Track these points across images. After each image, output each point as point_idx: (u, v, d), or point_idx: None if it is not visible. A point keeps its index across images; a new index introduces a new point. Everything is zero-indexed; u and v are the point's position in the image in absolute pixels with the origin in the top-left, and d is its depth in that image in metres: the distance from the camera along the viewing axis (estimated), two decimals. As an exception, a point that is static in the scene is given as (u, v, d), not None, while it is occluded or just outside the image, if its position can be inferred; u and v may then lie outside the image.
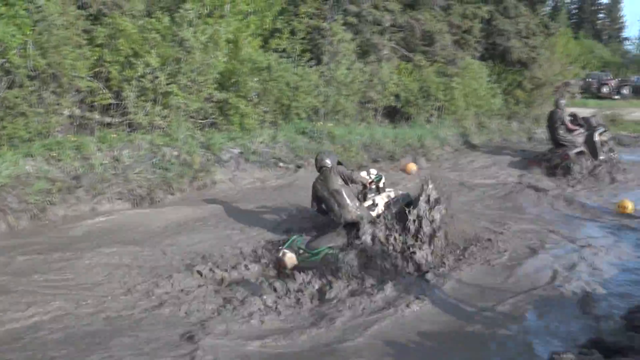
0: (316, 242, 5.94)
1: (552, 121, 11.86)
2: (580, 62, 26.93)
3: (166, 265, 5.79)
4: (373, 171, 6.71)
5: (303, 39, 12.86)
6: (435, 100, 14.85)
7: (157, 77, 9.32)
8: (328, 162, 6.35)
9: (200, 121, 10.35)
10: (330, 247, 5.81)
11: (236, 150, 9.98)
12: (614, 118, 18.98)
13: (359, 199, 6.35)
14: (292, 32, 12.72)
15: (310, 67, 12.20)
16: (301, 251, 5.87)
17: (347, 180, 6.22)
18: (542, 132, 15.76)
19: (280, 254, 5.86)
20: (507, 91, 17.67)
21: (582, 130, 11.83)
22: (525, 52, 17.49)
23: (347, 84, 12.55)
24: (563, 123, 11.74)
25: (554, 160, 11.47)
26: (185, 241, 6.56)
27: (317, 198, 6.36)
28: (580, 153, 11.45)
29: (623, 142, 15.72)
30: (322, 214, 6.42)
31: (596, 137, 11.61)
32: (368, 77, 13.36)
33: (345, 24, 13.27)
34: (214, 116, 10.50)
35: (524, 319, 4.83)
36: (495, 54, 17.64)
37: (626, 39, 53.75)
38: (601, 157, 11.42)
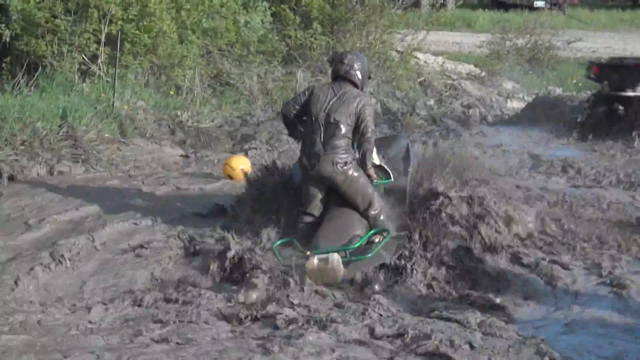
0: (326, 236, 3.78)
1: None
2: None
3: None
4: None
5: None
6: (102, 20, 7.29)
7: None
8: (357, 72, 3.95)
9: None
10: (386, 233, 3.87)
11: None
12: None
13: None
14: None
15: None
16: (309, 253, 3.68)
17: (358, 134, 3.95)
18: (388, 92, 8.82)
19: (317, 260, 3.55)
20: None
21: None
22: None
23: None
24: None
25: None
26: None
27: (304, 107, 4.01)
28: None
29: None
30: (291, 128, 4.20)
31: None
32: None
33: None
34: None
35: None
36: None
37: None
38: None
